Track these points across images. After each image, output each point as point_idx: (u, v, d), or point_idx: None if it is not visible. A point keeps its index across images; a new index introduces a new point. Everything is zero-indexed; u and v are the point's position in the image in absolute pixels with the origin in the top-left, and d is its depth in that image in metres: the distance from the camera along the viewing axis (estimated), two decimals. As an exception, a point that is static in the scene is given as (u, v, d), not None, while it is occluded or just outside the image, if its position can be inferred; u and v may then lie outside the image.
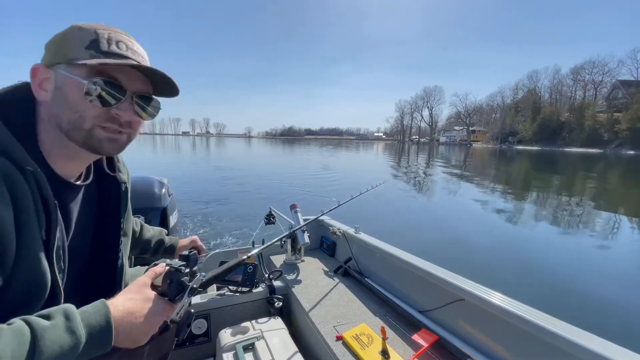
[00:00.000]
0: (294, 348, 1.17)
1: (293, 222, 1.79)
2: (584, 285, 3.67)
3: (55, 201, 0.61)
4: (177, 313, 0.65)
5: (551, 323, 0.84)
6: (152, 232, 1.20)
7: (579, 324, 0.83)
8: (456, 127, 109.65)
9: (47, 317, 0.50)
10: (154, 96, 0.72)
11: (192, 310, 0.69)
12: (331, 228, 1.89)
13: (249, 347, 1.19)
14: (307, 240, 1.71)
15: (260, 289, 1.56)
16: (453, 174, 15.62)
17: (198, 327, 1.43)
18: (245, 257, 0.91)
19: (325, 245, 2.04)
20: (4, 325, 0.46)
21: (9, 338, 0.44)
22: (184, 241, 1.28)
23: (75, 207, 0.72)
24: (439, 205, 8.54)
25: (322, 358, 1.20)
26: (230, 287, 1.52)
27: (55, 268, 0.61)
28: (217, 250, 1.89)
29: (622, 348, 0.75)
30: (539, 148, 62.07)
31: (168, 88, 0.72)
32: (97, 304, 0.57)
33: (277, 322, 1.33)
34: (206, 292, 1.49)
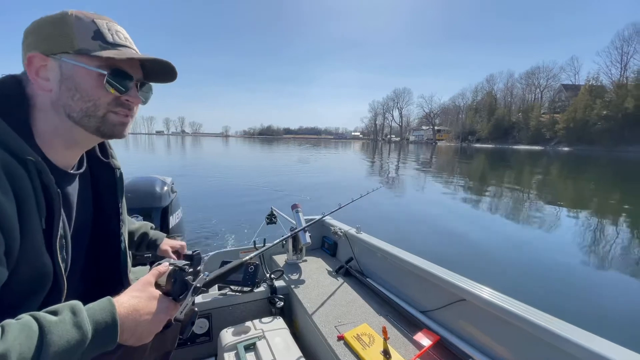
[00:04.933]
0: (295, 348, 1.11)
1: (294, 222, 1.69)
2: (584, 285, 3.47)
3: (58, 190, 0.57)
4: (181, 312, 0.60)
5: (553, 324, 0.80)
6: (137, 225, 1.08)
7: (580, 324, 0.79)
8: (424, 127, 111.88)
9: (54, 313, 0.48)
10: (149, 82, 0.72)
11: (196, 309, 0.64)
12: (332, 228, 1.80)
13: (250, 347, 1.12)
14: (308, 240, 1.62)
15: (261, 288, 1.47)
16: (423, 172, 15.74)
17: (200, 326, 1.34)
18: (248, 257, 0.84)
19: (326, 245, 1.94)
20: (12, 320, 0.44)
21: (18, 332, 0.42)
22: (170, 241, 1.12)
23: (74, 196, 0.69)
24: (422, 203, 8.16)
25: (323, 358, 1.13)
26: (232, 287, 1.42)
27: (59, 257, 0.58)
28: (219, 251, 1.77)
29: (624, 348, 0.71)
30: (493, 146, 64.55)
31: (163, 74, 0.70)
32: (103, 300, 0.54)
33: (279, 322, 1.26)
34: (208, 292, 1.40)
